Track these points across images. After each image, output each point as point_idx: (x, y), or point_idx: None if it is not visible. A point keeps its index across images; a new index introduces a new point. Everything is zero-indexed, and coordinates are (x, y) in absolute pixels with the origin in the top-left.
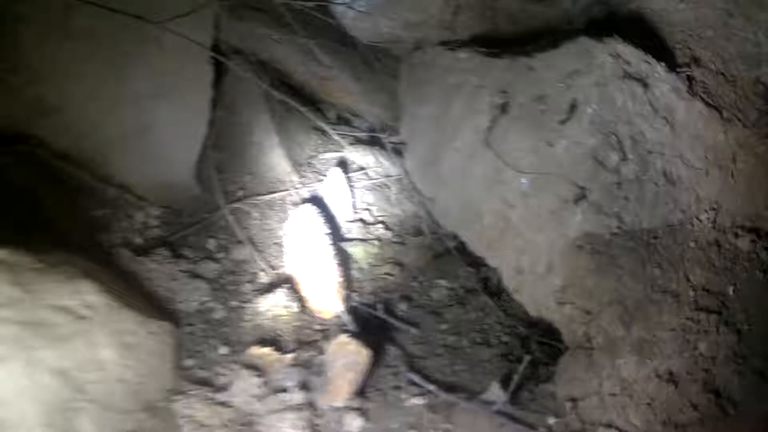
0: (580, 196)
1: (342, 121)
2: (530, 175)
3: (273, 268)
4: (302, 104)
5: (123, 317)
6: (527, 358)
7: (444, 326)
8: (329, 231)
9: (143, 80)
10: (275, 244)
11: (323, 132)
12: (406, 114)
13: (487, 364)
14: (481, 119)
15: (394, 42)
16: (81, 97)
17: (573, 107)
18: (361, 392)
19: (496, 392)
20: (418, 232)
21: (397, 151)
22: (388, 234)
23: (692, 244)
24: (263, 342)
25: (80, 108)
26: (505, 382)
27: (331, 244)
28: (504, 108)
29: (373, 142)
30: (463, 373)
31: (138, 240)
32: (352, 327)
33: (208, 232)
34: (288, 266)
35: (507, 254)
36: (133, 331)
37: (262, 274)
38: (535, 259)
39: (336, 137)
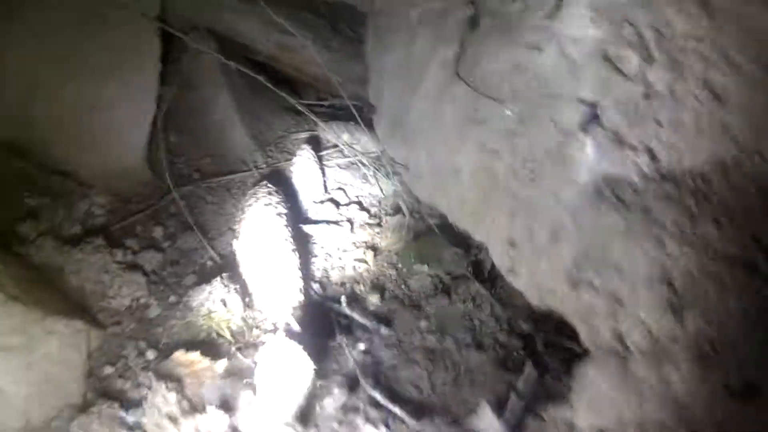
0: (590, 118)
1: (319, 100)
2: (515, 102)
3: (222, 257)
4: (272, 83)
5: (5, 312)
6: (531, 366)
7: (423, 323)
8: (288, 212)
9: (87, 57)
10: (229, 230)
11: (295, 111)
12: (373, 72)
13: (477, 374)
14: (448, 48)
15: None
16: (17, 76)
17: None
18: (303, 417)
19: (487, 417)
20: (397, 211)
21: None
22: (363, 215)
23: (753, 190)
24: (193, 345)
25: (16, 88)
26: (500, 402)
27: (288, 227)
28: (473, 21)
29: (348, 117)
30: (445, 387)
31: (72, 229)
32: (296, 327)
33: (156, 220)
34: (238, 255)
35: (495, 222)
36: (19, 330)
37: (209, 264)
38: (533, 223)
39: (306, 112)
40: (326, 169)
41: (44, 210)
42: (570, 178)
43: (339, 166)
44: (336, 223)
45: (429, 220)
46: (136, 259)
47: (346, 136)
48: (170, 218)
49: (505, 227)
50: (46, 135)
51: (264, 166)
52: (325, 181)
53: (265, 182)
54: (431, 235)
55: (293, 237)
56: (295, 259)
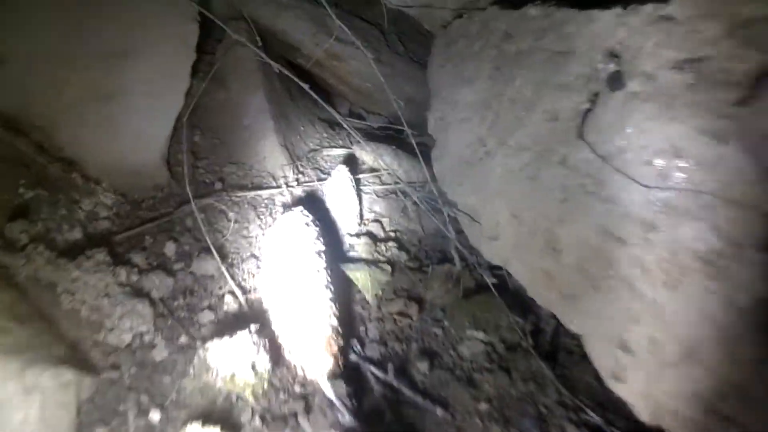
0: None
1: (354, 116)
2: (665, 189)
3: (245, 292)
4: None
5: None
6: None
7: (483, 406)
8: (324, 247)
9: (111, 36)
10: (253, 256)
11: (330, 123)
12: (438, 101)
13: None
14: (566, 100)
15: (430, 6)
16: (31, 50)
17: None
18: None
19: None
20: (444, 258)
21: (420, 151)
22: (403, 256)
23: None
24: (209, 416)
25: (29, 62)
26: None
27: (326, 267)
28: (616, 80)
29: (389, 139)
30: None
31: (72, 235)
32: (332, 396)
33: (169, 232)
34: (264, 293)
35: (605, 318)
36: None
37: (229, 299)
38: (661, 334)
39: (346, 126)
40: (363, 196)
41: (41, 206)
42: (729, 297)
43: (376, 193)
44: (375, 264)
45: (485, 277)
46: (142, 281)
47: (387, 160)
48: (185, 233)
49: (619, 328)
50: (56, 114)
51: (294, 183)
52: (361, 210)
53: (301, 209)
54: (486, 294)
55: (331, 279)
56: (334, 311)
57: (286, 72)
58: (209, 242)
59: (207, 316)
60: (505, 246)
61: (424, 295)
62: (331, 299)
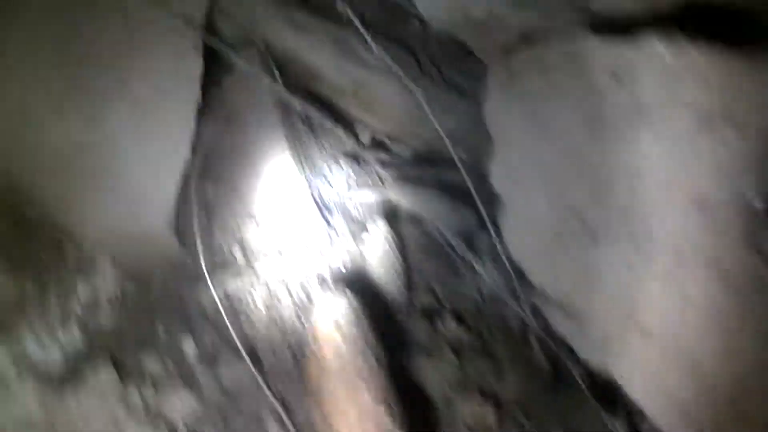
0: None
1: (377, 145)
2: None
3: (290, 412)
4: (332, 120)
5: None
6: None
7: None
8: (380, 337)
9: (95, 74)
10: (292, 354)
11: (356, 158)
12: (505, 149)
13: None
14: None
15: (486, 27)
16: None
17: None
18: None
19: None
20: (519, 339)
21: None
22: (464, 334)
23: None
24: None
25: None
26: None
27: (387, 364)
28: None
29: (422, 179)
30: None
31: (69, 341)
32: None
33: (185, 321)
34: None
35: None
36: None
37: (272, 425)
38: None
39: (377, 169)
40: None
41: (26, 302)
42: None
43: (422, 249)
44: (432, 352)
45: (570, 366)
46: (161, 403)
47: (429, 206)
48: (204, 322)
49: None
50: (38, 176)
51: (328, 243)
52: (410, 278)
53: (342, 282)
54: (571, 389)
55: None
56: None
57: (308, 106)
58: (236, 340)
59: None
60: (631, 365)
61: (500, 393)
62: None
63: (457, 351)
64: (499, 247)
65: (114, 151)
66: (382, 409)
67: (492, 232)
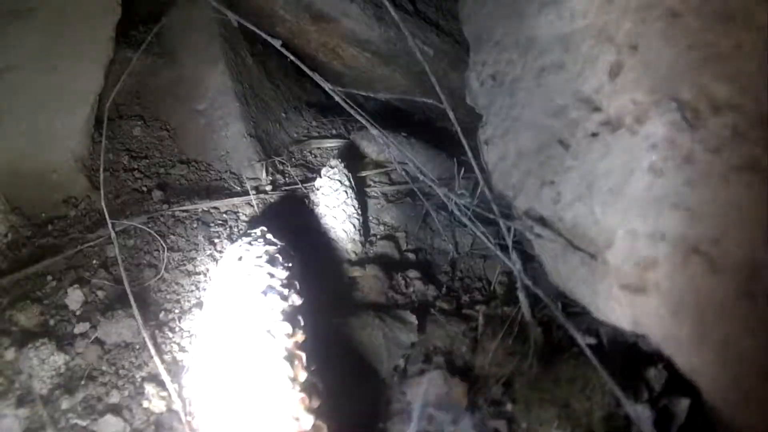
0: None
1: (351, 100)
2: None
3: (177, 376)
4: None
5: None
6: None
7: None
8: (290, 297)
9: None
10: (198, 307)
11: (322, 109)
12: (487, 48)
13: None
14: None
15: None
16: None
17: None
18: None
19: None
20: (492, 294)
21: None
22: (431, 291)
23: None
24: None
25: None
26: None
27: (297, 327)
28: None
29: (397, 119)
30: None
31: None
32: None
33: (79, 270)
34: (197, 385)
35: None
36: None
37: (151, 390)
38: None
39: (349, 106)
40: (368, 202)
41: None
42: None
43: (385, 197)
44: (391, 312)
45: (575, 334)
46: (19, 362)
47: (396, 151)
48: (101, 271)
49: None
50: None
51: (269, 187)
52: (366, 222)
53: (259, 232)
54: (574, 359)
55: (306, 352)
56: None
57: (248, 25)
58: (128, 288)
59: (112, 426)
60: (667, 306)
61: (472, 361)
62: (311, 384)
63: (419, 312)
64: (476, 168)
65: (10, 77)
66: (297, 383)
67: (475, 165)
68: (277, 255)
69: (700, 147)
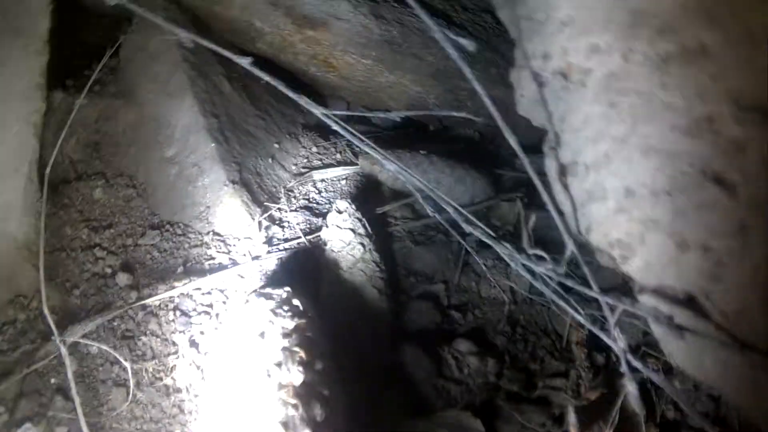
0: None
1: (354, 120)
2: None
3: None
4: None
5: None
6: None
7: None
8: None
9: None
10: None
11: (323, 131)
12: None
13: None
14: None
15: None
16: None
17: None
18: None
19: None
20: (561, 357)
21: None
22: (491, 366)
23: None
24: None
25: None
26: None
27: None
28: None
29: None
30: None
31: None
32: None
33: (31, 398)
34: None
35: None
36: None
37: None
38: None
39: (338, 128)
40: (393, 245)
41: None
42: None
43: (412, 236)
44: (447, 419)
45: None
46: None
47: (416, 178)
48: (61, 396)
49: None
50: None
51: (265, 248)
52: (394, 279)
53: (286, 292)
54: None
55: None
56: None
57: (206, 44)
58: (84, 428)
59: None
60: None
61: None
62: None
63: (481, 408)
64: (549, 201)
65: None
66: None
67: (552, 209)
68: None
69: None
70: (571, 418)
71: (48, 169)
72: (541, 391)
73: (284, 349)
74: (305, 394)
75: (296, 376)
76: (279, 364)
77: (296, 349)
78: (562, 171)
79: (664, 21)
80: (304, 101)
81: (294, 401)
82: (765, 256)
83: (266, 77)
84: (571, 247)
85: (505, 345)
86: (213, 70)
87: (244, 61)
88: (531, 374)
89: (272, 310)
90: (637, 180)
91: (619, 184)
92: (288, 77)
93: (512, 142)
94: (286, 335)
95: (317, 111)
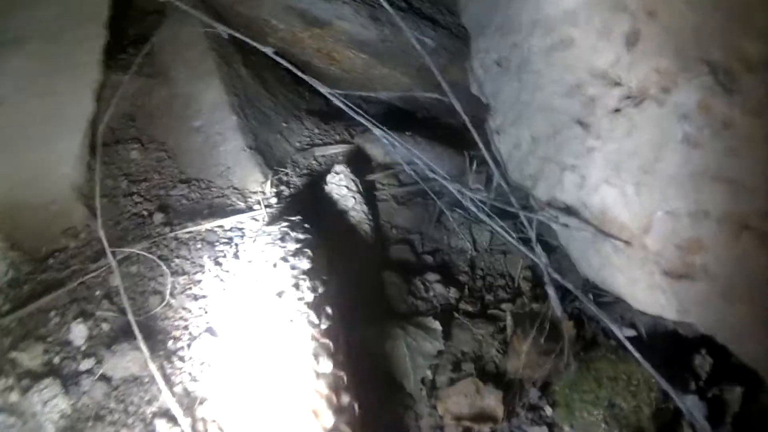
0: None
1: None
2: None
3: (190, 408)
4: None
5: None
6: None
7: None
8: (313, 295)
9: None
10: (209, 332)
11: (324, 117)
12: (489, 34)
13: None
14: None
15: None
16: None
17: None
18: None
19: None
20: (518, 291)
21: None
22: (452, 293)
23: None
24: None
25: None
26: None
27: (324, 333)
28: None
29: (400, 119)
30: None
31: None
32: None
33: (82, 303)
34: (220, 411)
35: None
36: None
37: (163, 427)
38: None
39: (351, 110)
40: (378, 206)
41: None
42: None
43: (395, 199)
44: (413, 320)
45: (614, 327)
46: (24, 403)
47: (402, 151)
48: (105, 302)
49: None
50: None
51: (274, 200)
52: (376, 226)
53: (276, 231)
54: (612, 354)
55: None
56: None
57: (240, 36)
58: (131, 319)
59: None
60: (717, 291)
61: (504, 365)
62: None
63: (442, 318)
64: (489, 159)
65: (7, 112)
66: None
67: (487, 156)
68: (297, 252)
69: (738, 111)
70: (509, 320)
71: (101, 130)
72: (491, 311)
73: (297, 249)
74: (313, 274)
75: (305, 263)
76: (294, 255)
77: (306, 249)
78: (496, 131)
79: (547, 22)
80: (313, 81)
81: (304, 277)
82: None
83: (285, 63)
84: (497, 178)
85: (466, 282)
86: (233, 58)
87: (269, 50)
88: (485, 303)
89: (288, 227)
90: (538, 130)
91: (527, 135)
92: (296, 68)
93: (457, 106)
94: (299, 241)
95: (324, 90)
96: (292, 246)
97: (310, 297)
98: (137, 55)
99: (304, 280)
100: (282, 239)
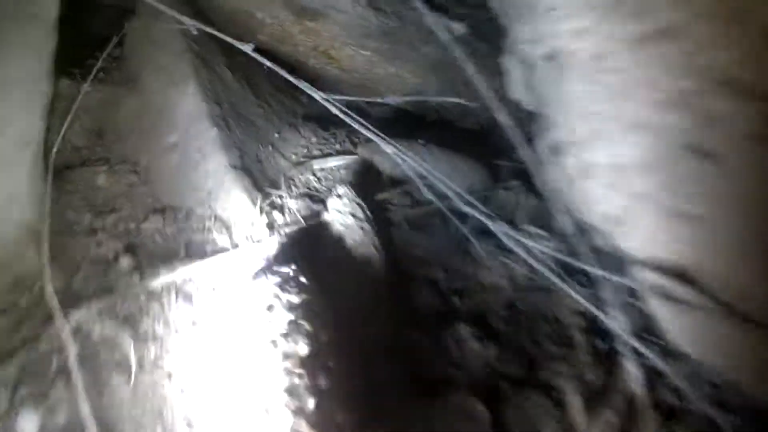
0: None
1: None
2: None
3: None
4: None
5: None
6: None
7: None
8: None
9: None
10: (188, 426)
11: (323, 122)
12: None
13: None
14: None
15: None
16: None
17: None
18: None
19: None
20: (569, 341)
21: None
22: (491, 352)
23: None
24: None
25: None
26: None
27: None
28: None
29: (408, 124)
30: None
31: None
32: None
33: (32, 382)
34: None
35: None
36: None
37: None
38: None
39: (340, 114)
40: (391, 230)
41: None
42: None
43: (409, 221)
44: (448, 402)
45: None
46: None
47: (411, 164)
48: (61, 381)
49: None
50: None
51: (266, 233)
52: (392, 262)
53: (293, 270)
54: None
55: None
56: None
57: (212, 31)
58: (87, 416)
59: None
60: None
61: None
62: None
63: (489, 394)
64: (533, 174)
65: None
66: None
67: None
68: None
69: None
70: (575, 401)
71: (53, 154)
72: (542, 375)
73: (291, 322)
74: (311, 364)
75: (302, 347)
76: (285, 335)
77: (302, 321)
78: (553, 151)
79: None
80: (303, 85)
81: (299, 371)
82: (752, 225)
83: (267, 62)
84: (562, 221)
85: (504, 331)
86: (215, 60)
87: (247, 47)
88: (531, 359)
89: (278, 285)
90: (624, 154)
91: (607, 159)
92: (289, 69)
93: (503, 119)
94: (292, 308)
95: (317, 95)
96: (284, 319)
97: (310, 405)
98: (107, 59)
99: (301, 377)
100: (270, 309)
